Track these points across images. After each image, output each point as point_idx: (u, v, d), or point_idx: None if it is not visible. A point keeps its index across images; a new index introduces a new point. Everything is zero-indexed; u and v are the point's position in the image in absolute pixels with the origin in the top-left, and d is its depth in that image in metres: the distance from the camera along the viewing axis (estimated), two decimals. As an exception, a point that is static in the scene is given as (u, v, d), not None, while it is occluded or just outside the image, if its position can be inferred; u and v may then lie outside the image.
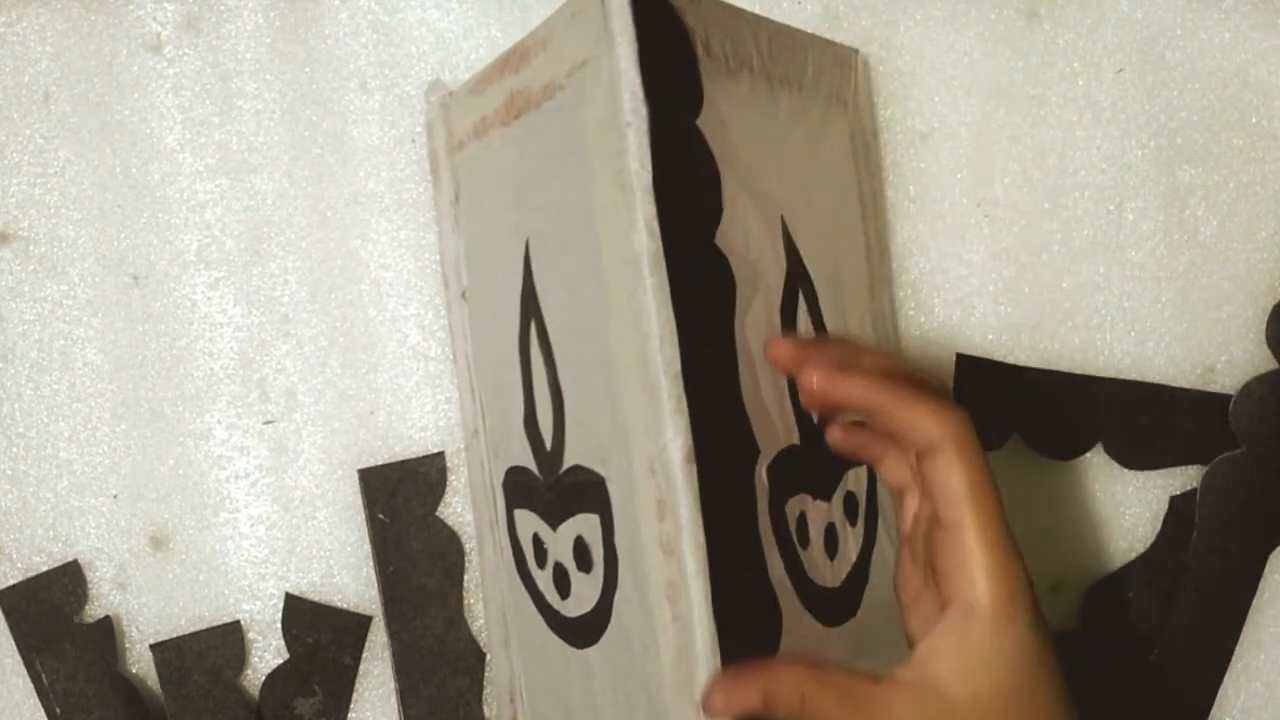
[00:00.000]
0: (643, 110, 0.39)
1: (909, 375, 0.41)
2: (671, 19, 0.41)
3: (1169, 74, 0.56)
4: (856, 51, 0.54)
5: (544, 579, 0.48)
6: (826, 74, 0.51)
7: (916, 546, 0.42)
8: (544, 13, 0.55)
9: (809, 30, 0.51)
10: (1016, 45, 0.56)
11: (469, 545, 0.56)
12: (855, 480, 0.49)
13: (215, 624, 0.55)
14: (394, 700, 0.56)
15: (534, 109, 0.45)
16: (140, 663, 0.56)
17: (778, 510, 0.44)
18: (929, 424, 0.39)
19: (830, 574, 0.46)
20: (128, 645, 0.56)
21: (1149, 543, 0.56)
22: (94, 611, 0.56)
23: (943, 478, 0.38)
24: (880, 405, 0.39)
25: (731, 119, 0.44)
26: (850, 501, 0.48)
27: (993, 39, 0.56)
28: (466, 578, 0.56)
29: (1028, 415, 0.56)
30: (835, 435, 0.43)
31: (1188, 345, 0.56)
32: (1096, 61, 0.56)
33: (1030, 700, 0.38)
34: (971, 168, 0.56)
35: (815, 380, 0.40)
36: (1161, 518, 0.56)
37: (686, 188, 0.41)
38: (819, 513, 0.46)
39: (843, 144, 0.52)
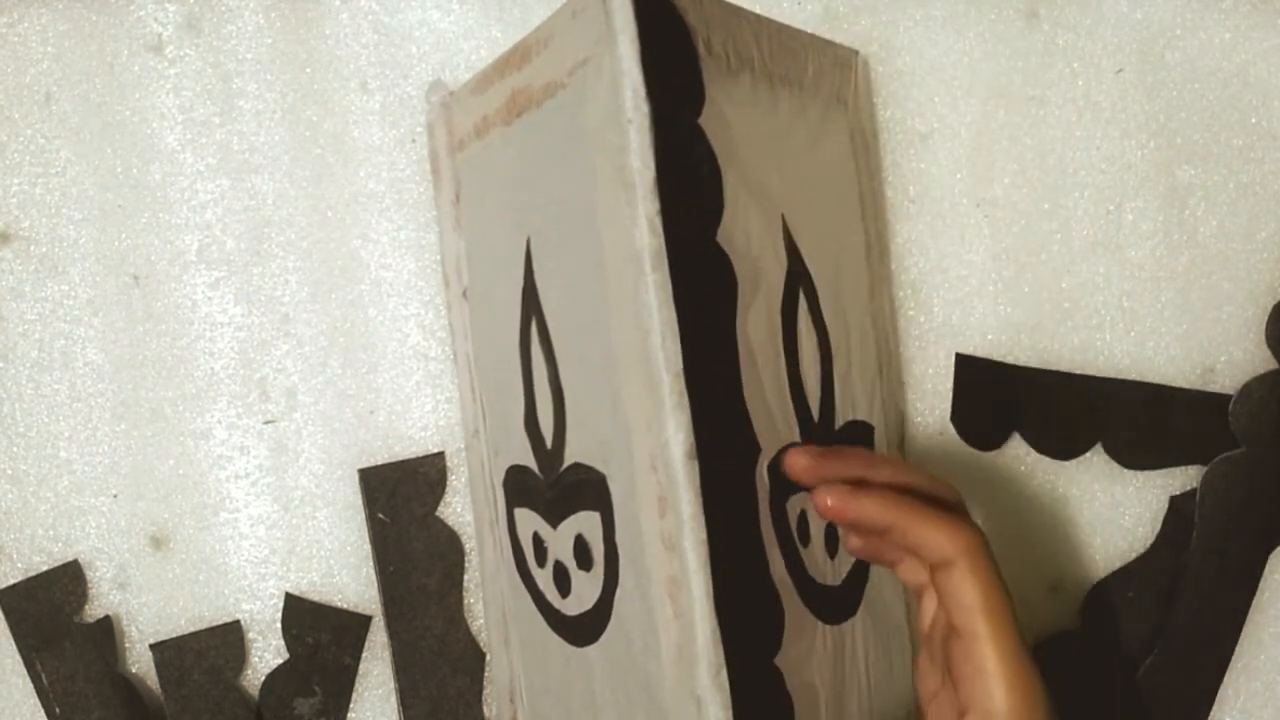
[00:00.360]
0: (644, 107, 0.39)
1: (924, 481, 0.43)
2: (673, 17, 0.42)
3: (1169, 74, 0.57)
4: (856, 53, 0.54)
5: (544, 578, 0.48)
6: (827, 75, 0.51)
7: (935, 647, 0.43)
8: (544, 13, 0.55)
9: (809, 30, 0.51)
10: (1016, 45, 0.57)
11: (469, 545, 0.56)
12: None
13: (215, 624, 0.55)
14: (394, 700, 0.55)
15: (535, 107, 0.45)
16: (140, 663, 0.56)
17: (779, 508, 0.44)
18: (941, 541, 0.40)
19: (831, 572, 0.46)
20: (128, 645, 0.56)
21: (1149, 543, 0.56)
22: (94, 611, 0.56)
23: (956, 590, 0.40)
24: (893, 524, 0.41)
25: (733, 118, 0.44)
26: (851, 501, 0.48)
27: (992, 39, 0.56)
28: (466, 578, 0.56)
29: (1028, 415, 0.56)
30: (853, 544, 0.44)
31: (1188, 345, 0.57)
32: (1096, 62, 0.57)
33: None
34: (971, 168, 0.57)
35: (830, 501, 0.41)
36: (1161, 518, 0.56)
37: (688, 185, 0.41)
38: None
39: (843, 144, 0.52)
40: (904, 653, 0.52)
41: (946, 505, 0.43)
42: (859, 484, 0.42)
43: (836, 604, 0.46)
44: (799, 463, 0.42)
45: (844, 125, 0.52)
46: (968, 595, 0.40)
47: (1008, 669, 0.39)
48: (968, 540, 0.40)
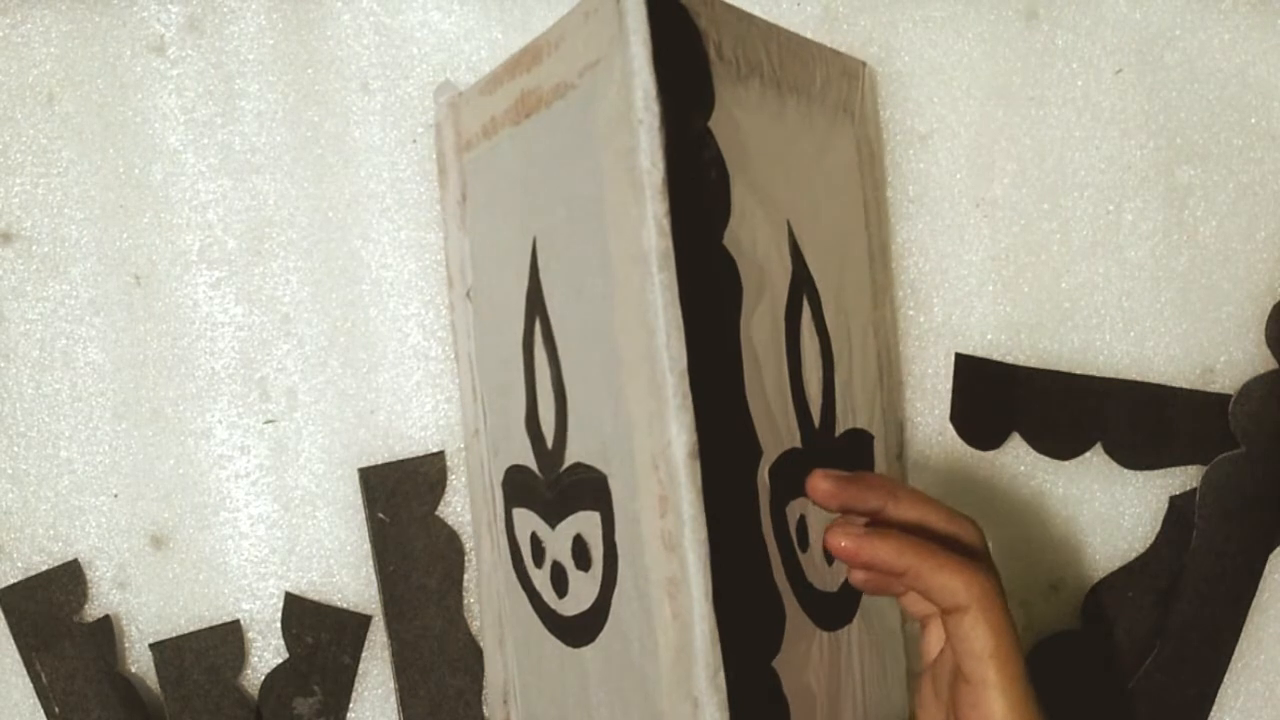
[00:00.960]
0: (655, 108, 0.39)
1: (942, 517, 0.43)
2: (685, 21, 0.42)
3: (1168, 74, 0.57)
4: (864, 64, 0.54)
5: (541, 578, 0.48)
6: (834, 84, 0.51)
7: (940, 684, 0.43)
8: (545, 15, 0.56)
9: (808, 31, 0.51)
10: (1016, 46, 0.57)
11: (469, 545, 0.56)
12: None
13: (215, 623, 0.55)
14: (393, 700, 0.56)
15: (545, 108, 0.45)
16: (140, 662, 0.56)
17: (779, 511, 0.44)
18: (955, 586, 0.40)
19: (829, 578, 0.46)
20: (127, 645, 0.56)
21: (1149, 543, 0.56)
22: (94, 611, 0.56)
23: (968, 635, 0.40)
24: (907, 568, 0.41)
25: (742, 123, 0.44)
26: (850, 508, 0.48)
27: (992, 40, 0.57)
28: (466, 577, 0.56)
29: (1028, 415, 0.56)
30: (858, 579, 0.44)
31: (1187, 345, 0.57)
32: (1095, 62, 0.57)
33: None
34: (971, 168, 0.57)
35: (844, 542, 0.41)
36: (1161, 518, 0.56)
37: (696, 188, 0.41)
38: (819, 517, 0.46)
39: (849, 154, 0.52)
40: (899, 661, 0.52)
41: (961, 543, 0.43)
42: (874, 519, 0.42)
43: (833, 610, 0.46)
44: (821, 487, 0.42)
45: (850, 135, 0.53)
46: (979, 643, 0.40)
47: (1016, 719, 0.39)
48: (982, 586, 0.40)
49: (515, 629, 0.51)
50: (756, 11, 0.47)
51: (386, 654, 0.55)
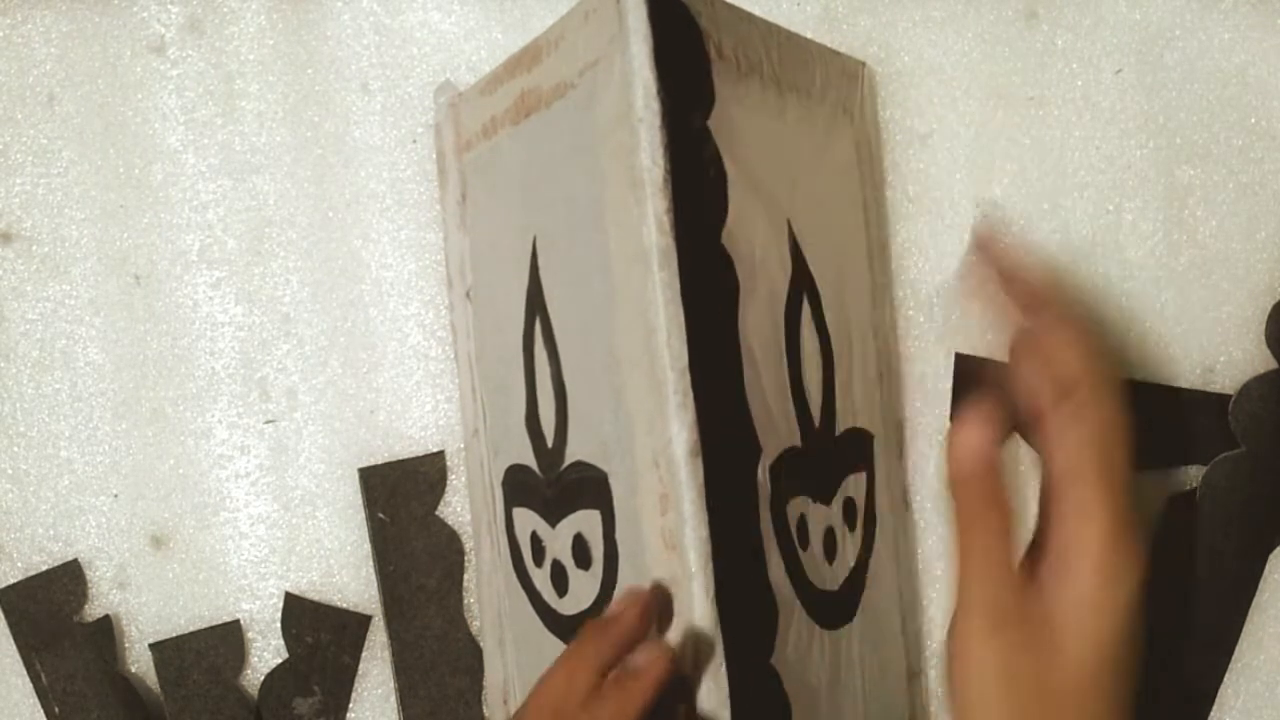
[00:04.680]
0: (655, 107, 0.39)
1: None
2: (685, 20, 0.42)
3: (1168, 74, 0.57)
4: (863, 64, 0.54)
5: (541, 577, 0.48)
6: (834, 84, 0.51)
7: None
8: (545, 15, 0.56)
9: (808, 31, 0.52)
10: (1015, 46, 0.57)
11: (469, 545, 0.56)
12: (854, 486, 0.49)
13: (215, 623, 0.55)
14: (393, 700, 0.55)
15: (545, 107, 0.45)
16: (140, 662, 0.56)
17: (779, 510, 0.44)
18: (1069, 355, 0.38)
19: (829, 577, 0.46)
20: (127, 645, 0.56)
21: (1149, 543, 0.56)
22: (94, 611, 0.56)
23: (1068, 422, 0.37)
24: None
25: (741, 122, 0.44)
26: (850, 507, 0.49)
27: (992, 40, 0.57)
28: (466, 577, 0.56)
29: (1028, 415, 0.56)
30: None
31: (1187, 345, 0.56)
32: (1095, 62, 0.57)
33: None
34: (970, 168, 0.57)
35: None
36: (1161, 518, 0.56)
37: (695, 186, 0.41)
38: (819, 515, 0.46)
39: (848, 154, 0.52)
40: (899, 661, 0.52)
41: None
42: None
43: (834, 609, 0.46)
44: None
45: (849, 135, 0.53)
46: (1084, 428, 0.36)
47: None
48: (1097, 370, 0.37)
49: (515, 629, 0.51)
50: (756, 11, 0.47)
51: (386, 654, 0.55)
